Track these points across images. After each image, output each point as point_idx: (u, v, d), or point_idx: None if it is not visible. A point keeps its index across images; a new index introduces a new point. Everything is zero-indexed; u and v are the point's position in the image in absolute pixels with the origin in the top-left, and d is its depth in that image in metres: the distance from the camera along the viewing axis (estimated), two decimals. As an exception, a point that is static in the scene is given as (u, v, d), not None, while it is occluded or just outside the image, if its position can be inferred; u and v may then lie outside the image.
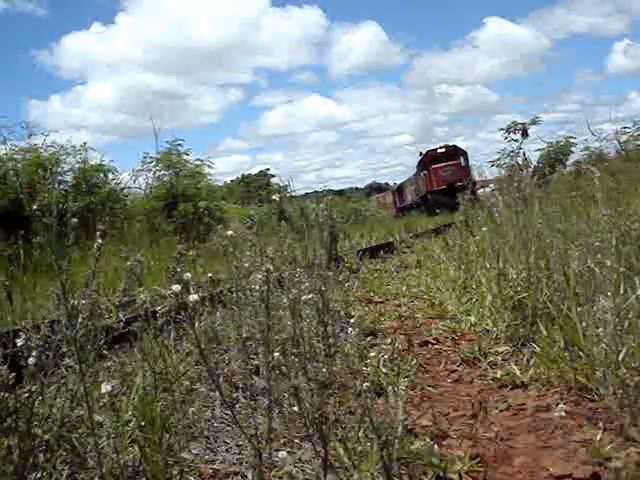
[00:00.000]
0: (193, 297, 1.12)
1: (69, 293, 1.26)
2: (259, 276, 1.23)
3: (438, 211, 18.57)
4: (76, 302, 1.29)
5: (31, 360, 1.21)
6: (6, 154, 8.32)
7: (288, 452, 1.56)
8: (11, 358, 1.26)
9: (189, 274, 1.17)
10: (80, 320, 1.28)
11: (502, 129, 13.96)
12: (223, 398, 1.22)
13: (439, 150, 27.65)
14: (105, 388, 1.12)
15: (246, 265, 2.11)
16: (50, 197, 1.25)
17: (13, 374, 1.15)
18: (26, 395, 1.14)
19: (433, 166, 27.06)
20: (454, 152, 27.32)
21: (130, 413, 1.64)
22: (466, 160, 26.88)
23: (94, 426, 1.20)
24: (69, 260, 1.28)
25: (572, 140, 13.71)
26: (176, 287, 1.10)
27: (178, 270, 1.52)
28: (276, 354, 1.32)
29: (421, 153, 28.95)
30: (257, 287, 1.22)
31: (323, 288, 1.78)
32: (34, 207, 1.23)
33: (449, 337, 2.79)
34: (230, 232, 1.94)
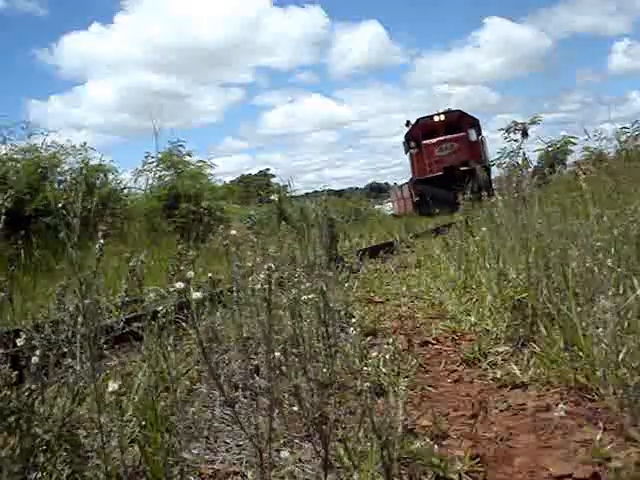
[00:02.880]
0: (196, 295, 1.13)
1: (87, 290, 1.26)
2: (261, 275, 1.24)
3: (437, 211, 13.42)
4: (85, 301, 1.29)
5: (34, 359, 1.21)
6: (6, 154, 8.32)
7: (288, 452, 1.56)
8: (12, 358, 1.26)
9: (192, 272, 1.18)
10: (84, 319, 1.28)
11: (502, 129, 13.97)
12: (226, 396, 1.22)
13: (436, 118, 18.84)
14: (112, 386, 1.12)
15: (247, 265, 2.11)
16: (74, 197, 1.25)
17: (16, 372, 1.16)
18: (27, 394, 1.14)
19: (425, 142, 18.42)
20: (458, 121, 18.61)
21: (130, 413, 1.64)
22: (478, 133, 18.71)
23: (102, 425, 1.20)
24: (70, 260, 1.28)
25: (572, 140, 13.72)
26: (179, 284, 1.11)
27: (182, 268, 1.53)
28: (277, 354, 1.32)
29: (409, 123, 19.75)
30: (259, 286, 1.23)
31: (324, 288, 1.78)
32: (59, 205, 1.24)
33: (449, 337, 2.79)
34: (233, 232, 1.94)
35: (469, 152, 17.83)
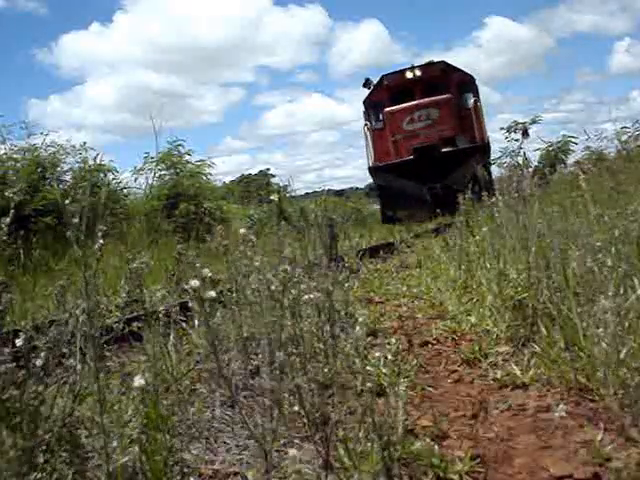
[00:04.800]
0: (211, 293, 1.13)
1: (92, 290, 1.26)
2: (264, 276, 1.24)
3: (402, 216, 10.25)
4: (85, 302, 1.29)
5: (39, 361, 1.21)
6: (5, 154, 8.33)
7: (295, 451, 1.56)
8: (14, 358, 1.26)
9: (207, 270, 1.18)
10: (89, 319, 1.28)
11: (502, 128, 14.02)
12: (232, 393, 1.22)
13: (408, 74, 12.60)
14: (138, 382, 1.12)
15: (247, 265, 2.11)
16: (81, 194, 1.25)
17: (22, 372, 1.16)
18: (32, 395, 1.14)
19: (389, 109, 12.43)
20: (442, 77, 12.44)
21: (130, 413, 1.64)
22: (475, 94, 12.63)
23: (104, 425, 1.20)
24: (70, 260, 1.28)
25: (572, 140, 13.76)
26: (195, 282, 1.11)
27: (197, 265, 1.53)
28: (281, 353, 1.32)
29: (368, 82, 13.43)
30: (273, 287, 1.23)
31: (330, 288, 1.78)
32: (66, 202, 1.23)
33: (449, 337, 2.79)
34: (242, 230, 1.94)
35: (457, 124, 12.05)
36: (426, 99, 12.12)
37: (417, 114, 12.11)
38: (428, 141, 11.68)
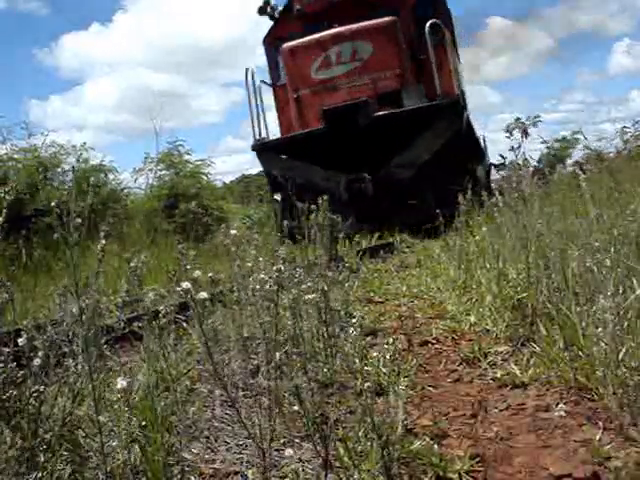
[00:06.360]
0: (202, 294, 1.14)
1: (83, 291, 1.27)
2: (262, 276, 1.24)
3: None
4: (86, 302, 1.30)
5: (36, 361, 1.22)
6: (6, 154, 8.36)
7: (292, 451, 1.56)
8: (14, 358, 1.26)
9: (199, 272, 1.19)
10: (82, 320, 1.29)
11: (508, 128, 14.06)
12: (229, 394, 1.23)
13: None
14: (120, 383, 1.13)
15: (248, 265, 2.11)
16: (68, 196, 1.26)
17: (22, 372, 1.16)
18: (35, 395, 1.14)
19: (287, 45, 7.73)
20: None
21: (130, 413, 1.64)
22: (444, 22, 7.54)
23: (101, 425, 1.21)
24: (66, 260, 1.29)
25: (578, 137, 13.74)
26: (186, 284, 1.12)
27: (188, 267, 1.54)
28: (278, 353, 1.33)
29: (267, 4, 8.53)
30: (267, 287, 1.24)
31: (326, 288, 1.79)
32: (52, 204, 1.24)
33: (449, 337, 2.79)
34: (233, 231, 1.95)
35: (406, 68, 7.49)
36: (352, 25, 7.24)
37: (335, 50, 7.25)
38: (353, 98, 7.02)
